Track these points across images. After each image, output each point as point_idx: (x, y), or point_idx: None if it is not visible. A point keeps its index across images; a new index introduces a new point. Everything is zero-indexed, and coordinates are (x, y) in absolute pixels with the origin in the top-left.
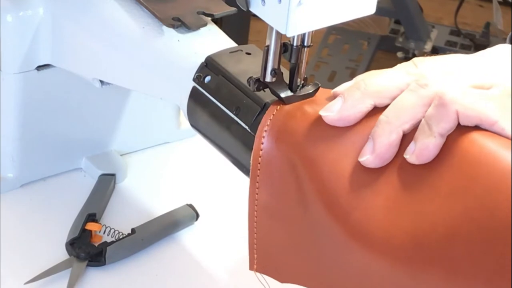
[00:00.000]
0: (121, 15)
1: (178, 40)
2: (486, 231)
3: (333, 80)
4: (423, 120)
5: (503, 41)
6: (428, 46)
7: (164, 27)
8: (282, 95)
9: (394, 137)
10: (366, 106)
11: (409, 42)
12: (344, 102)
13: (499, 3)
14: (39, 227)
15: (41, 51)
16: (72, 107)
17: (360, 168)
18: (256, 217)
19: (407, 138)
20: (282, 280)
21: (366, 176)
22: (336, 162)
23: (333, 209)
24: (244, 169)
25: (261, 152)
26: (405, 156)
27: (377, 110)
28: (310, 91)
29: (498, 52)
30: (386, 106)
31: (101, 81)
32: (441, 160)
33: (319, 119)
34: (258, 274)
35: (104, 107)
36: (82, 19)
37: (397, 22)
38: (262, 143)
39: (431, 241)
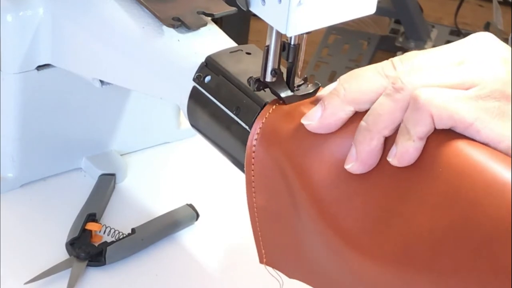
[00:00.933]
0: (121, 15)
1: (178, 40)
2: (471, 245)
3: (333, 80)
4: (402, 123)
5: (504, 41)
6: (428, 46)
7: (164, 27)
8: (283, 95)
9: (375, 144)
10: (346, 113)
11: (409, 42)
12: (324, 110)
13: (499, 3)
14: (39, 227)
15: (41, 51)
16: (72, 107)
17: (348, 175)
18: (257, 218)
19: (391, 139)
20: (289, 275)
21: (355, 183)
22: (325, 170)
23: (324, 217)
24: (244, 168)
25: (253, 157)
26: (388, 159)
27: (360, 113)
28: (311, 91)
29: (478, 41)
30: (368, 109)
31: (101, 81)
32: (427, 171)
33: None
34: (268, 267)
35: (104, 107)
36: (82, 19)
37: (397, 22)
38: (254, 146)
39: (418, 254)
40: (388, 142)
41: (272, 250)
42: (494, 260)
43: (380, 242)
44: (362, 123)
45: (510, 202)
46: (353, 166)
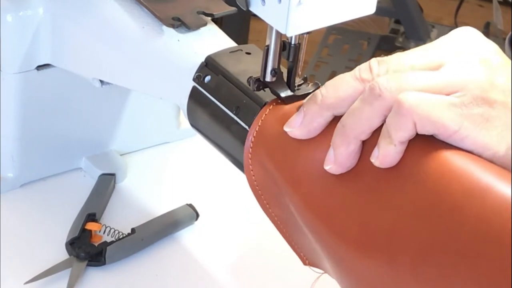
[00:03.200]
0: (121, 15)
1: (178, 40)
2: (453, 254)
3: None
4: (384, 125)
5: (503, 41)
6: None
7: (164, 27)
8: (282, 94)
9: (352, 148)
10: (325, 118)
11: (409, 42)
12: (303, 117)
13: (499, 3)
14: (39, 227)
15: (41, 51)
16: (72, 107)
17: (333, 179)
18: (281, 226)
19: (373, 136)
20: (331, 275)
21: (341, 188)
22: (313, 175)
23: (320, 221)
24: (244, 168)
25: (250, 164)
26: (371, 159)
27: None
28: (310, 91)
29: (458, 39)
30: None
31: (101, 81)
32: (408, 175)
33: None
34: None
35: (104, 107)
36: (82, 19)
37: (397, 22)
38: (251, 148)
39: (402, 261)
40: (369, 140)
41: (308, 251)
42: (478, 265)
43: (366, 237)
44: (339, 125)
45: (491, 206)
46: (331, 168)
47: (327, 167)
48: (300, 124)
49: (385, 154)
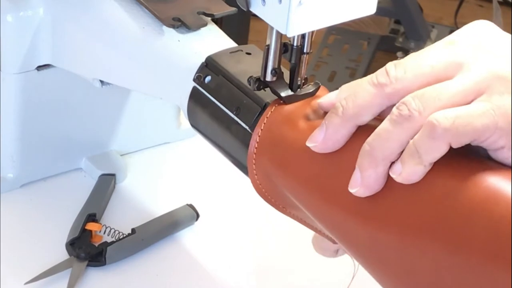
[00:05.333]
0: (121, 15)
1: (178, 40)
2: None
3: (333, 80)
4: (412, 143)
5: None
6: None
7: (164, 27)
8: (283, 94)
9: (381, 170)
10: (348, 130)
11: (409, 42)
12: (326, 130)
13: (499, 3)
14: (39, 227)
15: (41, 51)
16: (72, 107)
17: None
18: (307, 222)
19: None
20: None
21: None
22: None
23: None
24: (244, 169)
25: (254, 170)
26: (391, 175)
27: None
28: (311, 90)
29: (476, 32)
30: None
31: (101, 81)
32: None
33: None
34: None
35: (104, 107)
36: (82, 19)
37: (397, 22)
38: (254, 154)
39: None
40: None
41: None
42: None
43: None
44: (366, 146)
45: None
46: (358, 191)
47: (353, 190)
48: (323, 138)
49: (412, 173)
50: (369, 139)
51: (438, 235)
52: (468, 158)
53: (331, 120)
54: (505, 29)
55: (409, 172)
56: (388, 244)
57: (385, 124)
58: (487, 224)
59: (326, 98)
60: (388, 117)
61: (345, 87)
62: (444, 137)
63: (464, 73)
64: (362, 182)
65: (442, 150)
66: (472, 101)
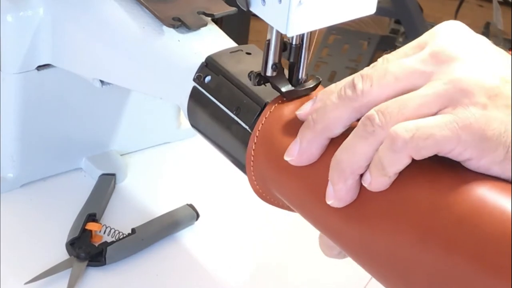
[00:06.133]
0: (121, 15)
1: (178, 40)
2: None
3: (333, 80)
4: (377, 155)
5: (503, 41)
6: None
7: (164, 27)
8: (283, 89)
9: (350, 182)
10: (321, 143)
11: (409, 42)
12: (300, 144)
13: (499, 3)
14: (39, 227)
15: (41, 51)
16: (72, 107)
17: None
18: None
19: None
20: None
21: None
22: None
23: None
24: (244, 169)
25: (252, 170)
26: (362, 183)
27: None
28: (311, 86)
29: (446, 35)
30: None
31: (101, 81)
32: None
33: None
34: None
35: (104, 107)
36: (82, 19)
37: (397, 22)
38: (253, 150)
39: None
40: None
41: None
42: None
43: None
44: (334, 161)
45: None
46: (333, 203)
47: (329, 201)
48: (298, 152)
49: (378, 183)
50: (337, 153)
51: (430, 239)
52: (450, 166)
53: (303, 134)
54: (505, 29)
55: (375, 181)
56: (377, 247)
57: (351, 139)
58: (474, 230)
59: (302, 109)
60: (354, 131)
61: (320, 96)
62: (404, 149)
63: (429, 84)
64: (335, 195)
65: (404, 162)
66: (438, 112)
